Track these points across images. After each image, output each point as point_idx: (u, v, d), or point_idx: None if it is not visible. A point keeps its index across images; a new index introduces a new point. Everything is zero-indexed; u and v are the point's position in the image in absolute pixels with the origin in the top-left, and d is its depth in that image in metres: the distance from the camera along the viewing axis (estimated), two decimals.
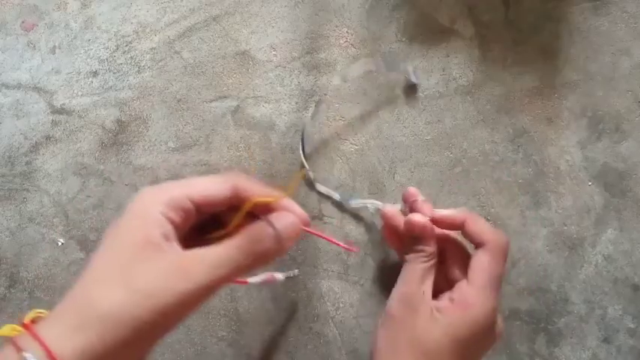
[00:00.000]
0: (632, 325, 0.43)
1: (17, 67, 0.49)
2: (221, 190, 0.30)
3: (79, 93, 0.48)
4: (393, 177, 0.45)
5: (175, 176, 0.46)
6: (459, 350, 0.34)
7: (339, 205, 0.45)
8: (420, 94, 0.47)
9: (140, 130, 0.47)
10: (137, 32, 0.49)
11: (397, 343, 0.35)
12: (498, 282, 0.36)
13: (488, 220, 0.44)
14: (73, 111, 0.48)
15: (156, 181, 0.46)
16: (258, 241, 0.30)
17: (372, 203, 0.43)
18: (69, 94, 0.48)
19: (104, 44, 0.49)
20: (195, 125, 0.47)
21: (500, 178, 0.45)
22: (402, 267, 0.38)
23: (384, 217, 0.40)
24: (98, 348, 0.26)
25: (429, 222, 0.37)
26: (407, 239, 0.38)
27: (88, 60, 0.49)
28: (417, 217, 0.37)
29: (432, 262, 0.37)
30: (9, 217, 0.46)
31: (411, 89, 0.46)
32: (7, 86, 0.49)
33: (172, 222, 0.29)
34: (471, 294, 0.35)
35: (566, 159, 0.45)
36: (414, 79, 0.46)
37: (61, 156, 0.47)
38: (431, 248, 0.37)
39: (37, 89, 0.48)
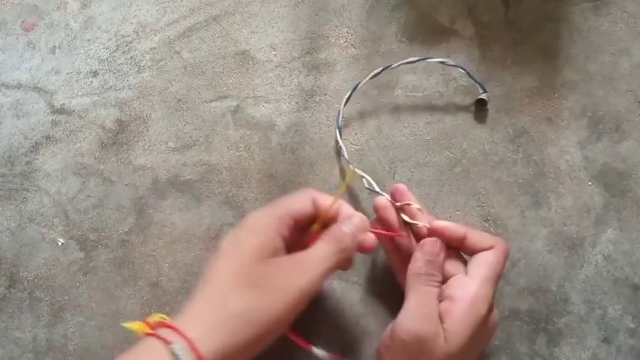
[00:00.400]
0: (632, 325, 0.43)
1: (17, 67, 0.49)
2: (308, 205, 0.37)
3: (79, 93, 0.48)
4: (393, 177, 0.45)
5: (175, 176, 0.46)
6: (471, 348, 0.35)
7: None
8: (420, 93, 0.47)
9: (140, 130, 0.47)
10: (137, 32, 0.49)
11: None
12: (497, 280, 0.37)
13: (488, 219, 0.44)
14: (73, 111, 0.48)
15: (156, 181, 0.46)
16: (341, 240, 0.35)
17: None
18: (69, 94, 0.48)
19: (104, 44, 0.49)
20: (195, 125, 0.47)
21: (500, 178, 0.45)
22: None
23: (376, 208, 0.40)
24: (232, 343, 0.31)
25: (443, 247, 0.38)
26: (423, 262, 0.37)
27: (88, 60, 0.49)
28: (436, 240, 0.38)
29: (440, 286, 0.37)
30: (9, 217, 0.46)
31: (480, 103, 0.46)
32: (6, 86, 0.49)
33: (283, 236, 0.35)
34: (474, 287, 0.35)
35: (566, 159, 0.45)
36: (483, 96, 0.45)
37: (60, 156, 0.47)
38: (439, 273, 0.37)
39: (36, 89, 0.48)
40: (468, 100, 0.47)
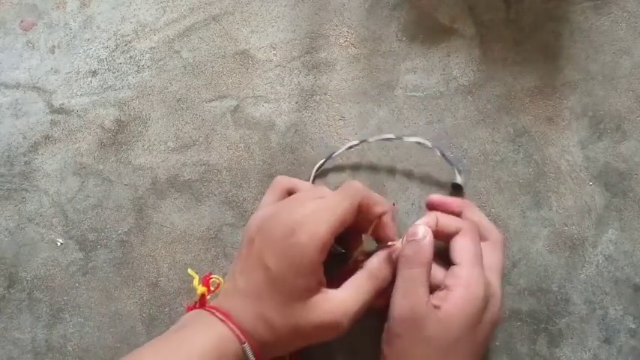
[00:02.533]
0: (633, 326, 0.42)
1: (16, 67, 0.49)
2: (353, 215, 0.37)
3: (78, 93, 0.48)
4: (394, 176, 0.45)
5: (175, 176, 0.46)
6: (472, 334, 0.35)
7: None
8: (420, 93, 0.47)
9: (139, 129, 0.47)
10: (136, 32, 0.49)
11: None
12: (480, 259, 0.37)
13: (488, 219, 0.44)
14: (72, 111, 0.48)
15: (155, 181, 0.46)
16: (381, 277, 0.38)
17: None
18: (68, 94, 0.48)
19: (103, 44, 0.49)
20: (195, 125, 0.47)
21: (501, 178, 0.45)
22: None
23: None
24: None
25: (430, 230, 0.38)
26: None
27: (87, 59, 0.49)
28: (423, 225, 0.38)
29: (427, 269, 0.36)
30: (8, 217, 0.46)
31: (455, 188, 0.44)
32: (5, 86, 0.49)
33: (322, 262, 0.36)
34: (465, 273, 0.36)
35: (567, 159, 0.45)
36: (458, 180, 0.44)
37: (60, 156, 0.47)
38: (426, 254, 0.37)
39: (36, 89, 0.48)
40: (469, 100, 0.47)
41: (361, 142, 0.44)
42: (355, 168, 0.46)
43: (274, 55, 0.48)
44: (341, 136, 0.46)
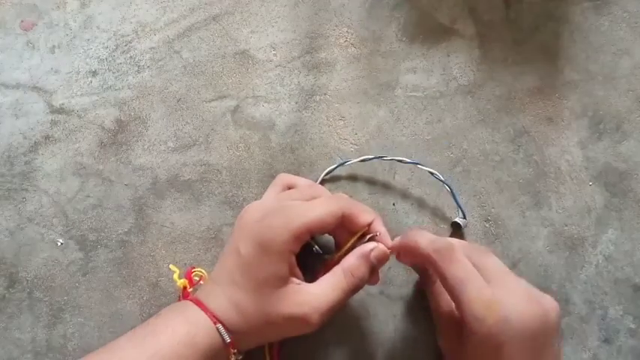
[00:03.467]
0: (632, 326, 0.42)
1: (16, 67, 0.49)
2: (334, 219, 0.36)
3: (79, 93, 0.48)
4: (393, 177, 0.45)
5: (175, 176, 0.46)
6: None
7: None
8: (420, 93, 0.47)
9: (139, 129, 0.47)
10: (136, 32, 0.49)
11: None
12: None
13: (488, 219, 0.44)
14: (72, 111, 0.48)
15: (155, 181, 0.46)
16: (358, 276, 0.37)
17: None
18: (68, 94, 0.48)
19: (103, 44, 0.49)
20: (195, 125, 0.47)
21: (501, 178, 0.45)
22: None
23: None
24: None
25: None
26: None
27: (88, 59, 0.49)
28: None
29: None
30: (8, 217, 0.46)
31: (454, 227, 0.44)
32: (6, 86, 0.48)
33: (294, 252, 0.36)
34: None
35: (566, 159, 0.45)
36: (460, 221, 0.43)
37: (60, 156, 0.47)
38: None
39: (36, 89, 0.48)
40: (469, 100, 0.47)
41: (375, 157, 0.44)
42: (355, 168, 0.46)
43: (274, 55, 0.48)
44: (341, 136, 0.46)
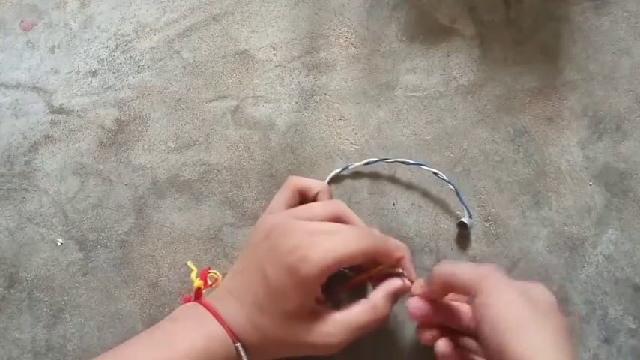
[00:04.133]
0: (632, 326, 0.42)
1: (16, 67, 0.49)
2: (366, 256, 0.36)
3: (79, 93, 0.48)
4: (393, 177, 0.45)
5: (175, 176, 0.46)
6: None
7: None
8: (420, 93, 0.47)
9: (139, 129, 0.47)
10: (136, 32, 0.49)
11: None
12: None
13: (488, 219, 0.44)
14: (72, 111, 0.48)
15: (155, 181, 0.46)
16: (384, 314, 0.37)
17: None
18: (68, 94, 0.48)
19: (103, 44, 0.49)
20: (195, 125, 0.47)
21: (501, 178, 0.45)
22: None
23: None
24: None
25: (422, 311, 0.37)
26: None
27: (88, 59, 0.49)
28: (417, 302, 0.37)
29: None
30: (8, 217, 0.46)
31: (460, 226, 0.44)
32: (6, 86, 0.48)
33: (322, 283, 0.36)
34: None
35: (566, 159, 0.45)
36: (466, 220, 0.43)
37: (60, 156, 0.47)
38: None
39: (36, 89, 0.48)
40: (469, 100, 0.47)
41: (379, 160, 0.44)
42: (355, 168, 0.46)
43: (274, 55, 0.48)
44: (341, 136, 0.46)
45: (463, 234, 0.44)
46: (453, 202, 0.44)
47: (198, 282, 0.39)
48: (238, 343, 0.35)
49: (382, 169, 0.46)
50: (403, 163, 0.44)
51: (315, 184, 0.42)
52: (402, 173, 0.45)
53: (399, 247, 0.38)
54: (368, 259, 0.37)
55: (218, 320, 0.35)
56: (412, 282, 0.38)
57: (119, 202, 0.46)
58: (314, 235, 0.36)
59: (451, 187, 0.43)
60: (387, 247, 0.37)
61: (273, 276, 0.35)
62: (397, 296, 0.38)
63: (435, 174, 0.44)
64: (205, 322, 0.36)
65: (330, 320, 0.36)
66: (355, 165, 0.44)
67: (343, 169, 0.45)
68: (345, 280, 0.40)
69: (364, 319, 0.36)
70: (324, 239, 0.35)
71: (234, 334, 0.35)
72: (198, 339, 0.34)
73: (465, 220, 0.43)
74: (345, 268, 0.41)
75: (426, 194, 0.45)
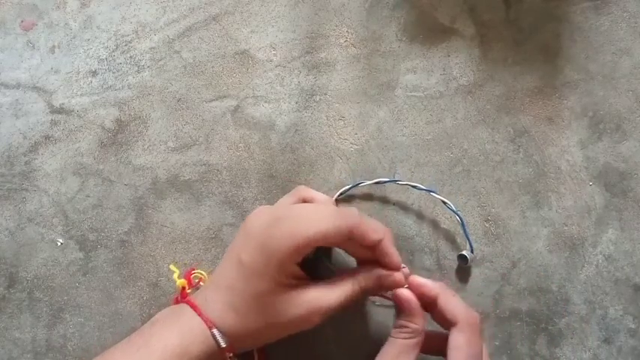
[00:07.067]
0: (633, 326, 0.42)
1: (16, 67, 0.49)
2: (339, 234, 0.35)
3: (79, 92, 0.48)
4: (394, 177, 0.45)
5: (175, 176, 0.46)
6: None
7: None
8: (420, 93, 0.47)
9: (139, 129, 0.47)
10: (136, 32, 0.49)
11: None
12: (480, 356, 0.35)
13: (488, 219, 0.44)
14: (72, 111, 0.48)
15: (155, 180, 0.46)
16: (365, 288, 0.37)
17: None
18: (68, 94, 0.48)
19: (103, 44, 0.49)
20: (195, 125, 0.47)
21: (501, 178, 0.45)
22: None
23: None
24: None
25: (414, 298, 0.36)
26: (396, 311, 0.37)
27: (88, 59, 0.49)
28: (404, 292, 0.37)
29: (415, 340, 0.36)
30: (8, 217, 0.46)
31: (461, 259, 0.43)
32: (6, 86, 0.48)
33: (296, 262, 0.36)
34: None
35: (566, 159, 0.45)
36: (467, 254, 0.43)
37: (60, 156, 0.47)
38: (415, 325, 0.36)
39: (36, 89, 0.48)
40: (469, 100, 0.47)
41: (390, 181, 0.44)
42: (355, 168, 0.46)
43: (274, 55, 0.48)
44: (341, 136, 0.46)
45: (463, 267, 0.44)
46: (453, 202, 0.44)
47: (180, 282, 0.39)
48: (215, 329, 0.35)
49: (382, 169, 0.46)
50: (414, 187, 0.44)
51: (320, 197, 0.42)
52: (402, 173, 0.45)
53: (377, 229, 0.37)
54: (344, 239, 0.36)
55: (194, 310, 0.35)
56: (397, 269, 0.37)
57: (119, 202, 0.46)
58: (285, 214, 0.36)
59: (458, 218, 0.43)
60: (365, 226, 0.36)
61: (246, 257, 0.35)
62: (386, 285, 0.37)
63: (445, 203, 0.43)
64: (181, 318, 0.36)
65: (306, 291, 0.36)
66: (366, 183, 0.44)
67: (353, 187, 0.44)
68: (330, 273, 0.40)
69: (344, 289, 0.36)
70: (295, 217, 0.35)
71: (210, 320, 0.35)
72: (173, 336, 0.34)
73: (465, 253, 0.43)
74: (328, 259, 0.41)
75: (426, 194, 0.45)
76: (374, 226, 0.37)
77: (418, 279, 0.37)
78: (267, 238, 0.35)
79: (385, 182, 0.44)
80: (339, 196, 0.44)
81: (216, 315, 0.35)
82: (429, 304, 0.37)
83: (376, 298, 0.41)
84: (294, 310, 0.35)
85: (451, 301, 0.36)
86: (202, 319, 0.35)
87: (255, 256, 0.35)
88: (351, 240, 0.36)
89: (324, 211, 0.36)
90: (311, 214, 0.36)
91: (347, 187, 0.44)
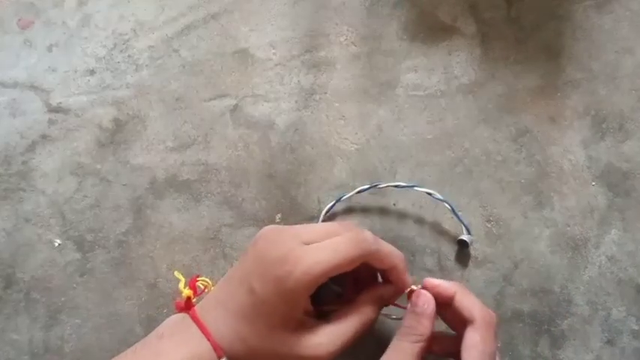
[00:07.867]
0: (635, 327, 0.42)
1: (14, 66, 0.49)
2: (354, 265, 0.35)
3: (76, 91, 0.48)
4: (394, 177, 0.45)
5: (173, 176, 0.46)
6: None
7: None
8: (421, 92, 0.47)
9: (138, 129, 0.47)
10: (135, 30, 0.49)
11: None
12: (493, 355, 0.35)
13: (490, 220, 0.44)
14: (70, 110, 0.47)
15: (154, 180, 0.46)
16: (371, 319, 0.37)
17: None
18: (66, 93, 0.48)
19: (101, 42, 0.49)
20: (194, 124, 0.47)
21: (503, 178, 0.45)
22: None
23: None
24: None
25: (433, 300, 0.36)
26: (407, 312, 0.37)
27: (85, 58, 0.48)
28: (427, 293, 0.36)
29: (421, 344, 0.35)
30: (5, 217, 0.45)
31: (461, 244, 0.43)
32: (3, 85, 0.48)
33: (310, 294, 0.35)
34: None
35: (569, 159, 0.45)
36: (465, 237, 0.42)
37: (57, 155, 0.46)
38: (423, 328, 0.35)
39: (33, 88, 0.48)
40: (470, 99, 0.46)
41: (371, 186, 0.43)
42: (355, 168, 0.45)
43: (274, 53, 0.48)
44: (341, 135, 0.46)
45: (464, 251, 0.43)
46: (455, 202, 0.44)
47: (187, 292, 0.38)
48: (224, 358, 0.34)
49: (382, 169, 0.45)
50: (396, 187, 0.43)
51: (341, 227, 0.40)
52: (403, 173, 0.45)
53: (391, 255, 0.37)
54: (356, 267, 0.36)
55: (204, 333, 0.35)
56: (406, 290, 0.37)
57: (117, 202, 0.45)
58: (301, 244, 0.35)
59: (447, 205, 0.42)
60: (379, 254, 0.36)
61: (259, 287, 0.34)
62: (384, 302, 0.38)
63: (430, 194, 0.43)
64: (191, 338, 0.35)
65: (318, 331, 0.35)
66: (347, 195, 0.43)
67: (336, 202, 0.43)
68: (333, 295, 0.40)
69: (352, 331, 0.36)
70: (312, 250, 0.35)
71: (220, 347, 0.34)
72: (185, 357, 0.34)
73: (464, 237, 0.42)
74: (334, 283, 0.40)
75: (426, 194, 0.45)
76: (388, 251, 0.37)
77: (433, 280, 0.37)
78: (285, 274, 0.34)
79: (366, 189, 0.43)
80: (324, 215, 0.43)
81: (225, 342, 0.35)
82: (441, 306, 0.36)
83: (391, 310, 0.40)
84: (306, 350, 0.35)
85: (469, 299, 0.36)
86: (212, 346, 0.34)
87: (268, 289, 0.34)
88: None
89: (340, 244, 0.35)
90: (325, 248, 0.35)
91: (329, 205, 0.43)
